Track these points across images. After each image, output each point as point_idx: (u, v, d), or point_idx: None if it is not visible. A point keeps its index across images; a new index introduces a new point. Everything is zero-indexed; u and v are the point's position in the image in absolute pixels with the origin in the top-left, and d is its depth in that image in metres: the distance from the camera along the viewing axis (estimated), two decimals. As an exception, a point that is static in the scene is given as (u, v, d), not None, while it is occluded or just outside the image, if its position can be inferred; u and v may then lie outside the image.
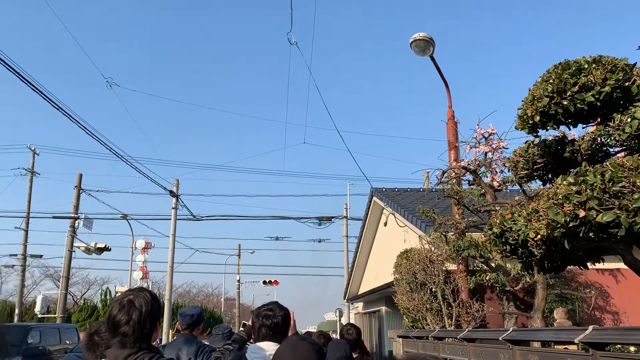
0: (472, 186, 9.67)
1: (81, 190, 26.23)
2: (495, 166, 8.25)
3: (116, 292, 32.87)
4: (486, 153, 8.33)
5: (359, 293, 20.56)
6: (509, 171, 6.50)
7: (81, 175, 26.29)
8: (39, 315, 26.18)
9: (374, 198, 16.57)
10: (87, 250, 25.78)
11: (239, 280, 44.70)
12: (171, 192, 24.86)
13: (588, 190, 3.23)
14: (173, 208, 25.06)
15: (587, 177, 3.28)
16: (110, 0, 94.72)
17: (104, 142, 17.61)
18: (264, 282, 40.97)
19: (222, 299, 51.80)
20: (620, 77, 3.92)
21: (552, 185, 4.54)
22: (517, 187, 8.73)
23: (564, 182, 3.44)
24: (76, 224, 25.42)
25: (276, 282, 40.34)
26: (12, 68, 11.94)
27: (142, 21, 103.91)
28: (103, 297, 36.64)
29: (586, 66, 4.04)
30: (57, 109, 13.61)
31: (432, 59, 11.68)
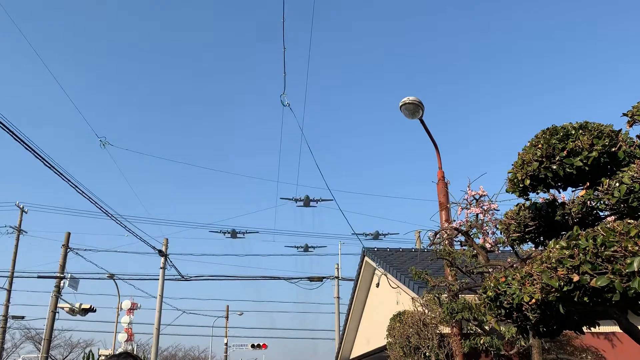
0: (464, 247, 9.65)
1: (68, 249, 25.84)
2: (487, 227, 8.29)
3: (99, 356, 31.74)
4: (477, 214, 8.39)
5: (351, 357, 20.01)
6: (500, 233, 6.53)
7: (69, 234, 25.99)
8: (17, 381, 25.14)
9: (366, 258, 16.44)
10: (72, 311, 25.10)
11: (226, 344, 43.41)
12: (160, 251, 24.58)
13: (581, 255, 3.25)
14: (161, 268, 24.71)
15: (580, 241, 3.31)
16: (102, 57, 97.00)
17: (94, 201, 17.55)
18: (253, 346, 39.87)
19: (209, 363, 50.08)
20: (607, 143, 4.04)
21: (545, 247, 4.57)
22: (508, 248, 8.74)
23: (557, 246, 3.46)
24: (61, 284, 24.87)
25: (265, 346, 39.28)
26: (5, 126, 12.04)
27: (136, 78, 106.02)
28: (85, 360, 35.34)
29: (573, 132, 4.17)
30: (49, 167, 13.64)
31: (422, 122, 11.94)
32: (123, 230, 21.54)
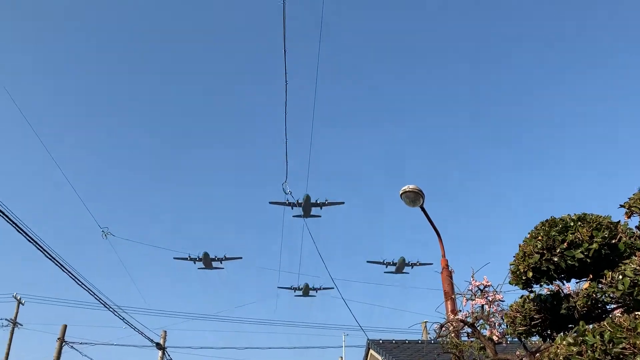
0: (471, 339, 9.35)
1: (64, 343, 25.05)
2: (494, 319, 8.07)
3: None
4: (483, 305, 8.21)
5: None
6: (507, 325, 6.37)
7: (65, 326, 25.29)
8: None
9: (371, 351, 15.90)
10: (63, 411, 23.89)
11: None
12: (157, 344, 23.84)
13: (589, 352, 3.17)
14: (159, 362, 23.85)
15: (587, 338, 3.24)
16: (103, 147, 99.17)
17: (93, 292, 17.28)
18: None
19: None
20: (606, 235, 4.06)
21: (552, 341, 4.44)
22: (517, 339, 8.45)
23: (564, 342, 3.38)
24: (54, 381, 23.87)
25: None
26: (9, 218, 12.13)
27: (135, 164, 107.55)
28: None
29: (572, 224, 4.20)
30: (51, 259, 13.57)
31: (423, 209, 12.02)
32: (121, 321, 21.03)
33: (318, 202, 36.20)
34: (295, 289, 40.20)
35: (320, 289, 39.42)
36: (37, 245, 13.04)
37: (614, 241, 4.10)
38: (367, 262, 41.77)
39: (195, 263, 39.14)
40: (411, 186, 11.86)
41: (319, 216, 37.22)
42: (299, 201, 35.53)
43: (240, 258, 39.82)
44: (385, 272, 42.84)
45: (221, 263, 39.44)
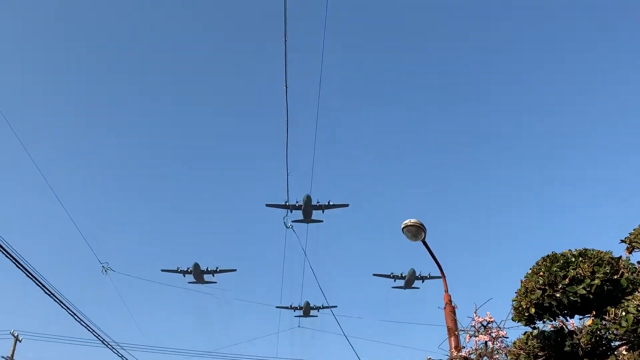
0: (475, 377, 9.18)
1: (61, 381, 24.58)
2: (497, 356, 7.94)
3: None
4: (486, 342, 8.09)
5: None
6: (511, 362, 6.27)
7: (63, 364, 24.86)
8: None
9: (373, 389, 15.58)
10: None
11: None
12: (157, 382, 23.39)
13: (594, 391, 3.12)
14: (157, 401, 23.33)
15: (591, 377, 3.19)
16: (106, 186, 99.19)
17: (92, 329, 17.07)
18: None
19: None
20: (608, 271, 4.04)
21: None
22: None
23: (568, 381, 3.33)
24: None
25: None
26: (9, 254, 12.09)
27: (137, 206, 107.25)
28: None
29: (573, 259, 4.18)
30: (49, 295, 13.44)
31: (425, 244, 11.98)
32: (119, 359, 20.73)
33: (320, 204, 33.28)
34: (295, 309, 37.77)
35: (321, 307, 36.68)
36: (36, 281, 12.94)
37: (615, 277, 4.07)
38: (374, 275, 39.08)
39: (184, 276, 36.48)
40: (412, 220, 11.85)
41: (321, 221, 34.45)
42: (299, 203, 32.39)
43: (235, 270, 37.09)
44: (393, 287, 39.81)
45: (213, 276, 36.63)
